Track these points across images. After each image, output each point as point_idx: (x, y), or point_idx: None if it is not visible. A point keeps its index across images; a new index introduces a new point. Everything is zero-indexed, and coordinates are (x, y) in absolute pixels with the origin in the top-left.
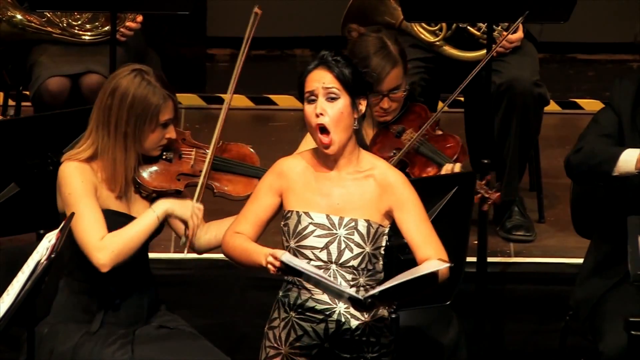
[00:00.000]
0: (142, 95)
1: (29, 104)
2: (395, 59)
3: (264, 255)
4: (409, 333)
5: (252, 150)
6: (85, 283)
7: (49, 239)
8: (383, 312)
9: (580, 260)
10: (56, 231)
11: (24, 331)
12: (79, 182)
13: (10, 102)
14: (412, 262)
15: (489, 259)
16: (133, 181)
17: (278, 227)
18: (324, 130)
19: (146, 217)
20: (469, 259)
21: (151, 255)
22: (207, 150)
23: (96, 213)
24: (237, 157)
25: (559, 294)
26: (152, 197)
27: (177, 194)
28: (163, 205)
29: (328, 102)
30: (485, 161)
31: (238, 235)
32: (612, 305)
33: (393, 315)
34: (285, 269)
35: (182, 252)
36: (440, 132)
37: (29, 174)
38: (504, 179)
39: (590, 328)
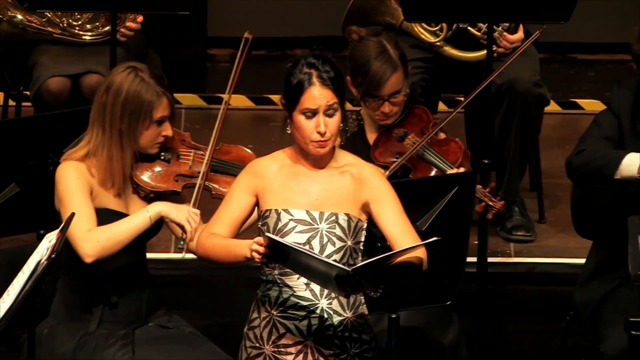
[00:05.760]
0: (135, 92)
1: (29, 104)
2: (395, 63)
3: (246, 246)
4: (409, 333)
5: (251, 152)
6: (82, 282)
7: (49, 239)
8: (363, 309)
9: (581, 261)
10: (56, 231)
11: (24, 331)
12: (74, 178)
13: (11, 103)
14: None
15: (489, 259)
16: (131, 181)
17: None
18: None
19: (138, 216)
20: (469, 259)
21: (151, 255)
22: (206, 152)
23: (86, 207)
24: (236, 159)
25: (559, 294)
26: (150, 197)
27: (174, 195)
28: (157, 207)
29: (328, 118)
30: (486, 161)
31: (214, 235)
32: (613, 306)
33: (393, 316)
34: (271, 254)
35: (180, 253)
36: (443, 136)
37: (29, 174)
38: (504, 179)
39: (591, 330)
